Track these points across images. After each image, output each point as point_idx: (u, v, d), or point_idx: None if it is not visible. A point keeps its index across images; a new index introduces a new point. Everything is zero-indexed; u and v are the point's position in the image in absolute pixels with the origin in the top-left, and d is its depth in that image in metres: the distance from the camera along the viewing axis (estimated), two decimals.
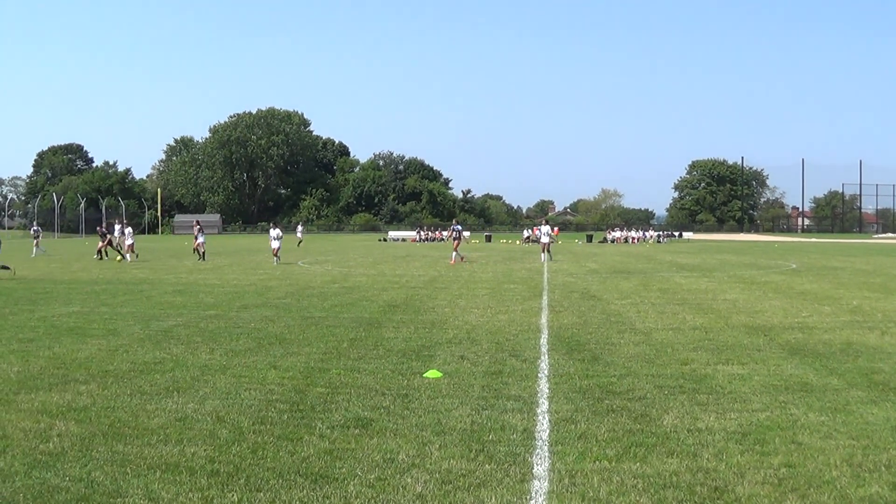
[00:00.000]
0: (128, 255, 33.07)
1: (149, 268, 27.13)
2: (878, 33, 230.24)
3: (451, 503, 4.79)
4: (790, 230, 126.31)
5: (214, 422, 6.52)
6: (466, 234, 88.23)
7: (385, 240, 76.00)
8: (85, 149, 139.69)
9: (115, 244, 35.13)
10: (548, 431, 6.22)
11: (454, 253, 31.53)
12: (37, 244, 38.71)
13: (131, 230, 34.73)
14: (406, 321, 12.85)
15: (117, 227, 36.13)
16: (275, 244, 30.62)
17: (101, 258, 33.08)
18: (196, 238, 34.07)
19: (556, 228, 77.34)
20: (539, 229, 35.09)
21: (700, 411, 6.85)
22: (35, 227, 40.08)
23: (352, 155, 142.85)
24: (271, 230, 31.82)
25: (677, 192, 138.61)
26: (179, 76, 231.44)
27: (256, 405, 7.07)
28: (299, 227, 56.34)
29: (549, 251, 32.44)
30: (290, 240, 47.10)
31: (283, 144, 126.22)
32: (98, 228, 37.30)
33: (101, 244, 34.24)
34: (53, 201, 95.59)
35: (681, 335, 11.32)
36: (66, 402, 7.19)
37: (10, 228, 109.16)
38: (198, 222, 36.01)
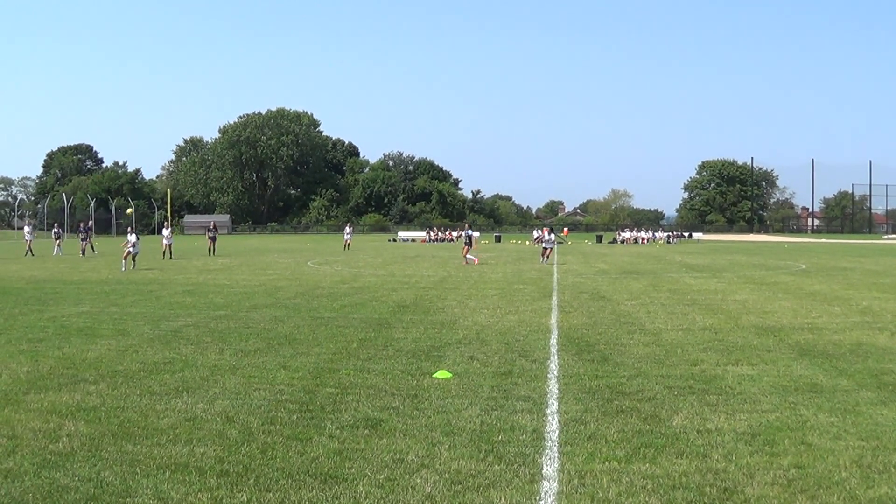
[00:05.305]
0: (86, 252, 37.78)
1: (158, 268, 27.20)
2: (887, 33, 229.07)
3: None
4: (800, 231, 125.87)
5: (224, 422, 6.53)
6: (476, 234, 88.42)
7: (395, 240, 76.05)
8: (94, 149, 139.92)
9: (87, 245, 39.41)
10: (557, 432, 6.22)
11: (468, 256, 31.63)
12: (58, 245, 39.64)
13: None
14: (416, 322, 12.86)
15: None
16: (130, 247, 26.84)
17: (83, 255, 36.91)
18: (164, 238, 36.34)
19: (565, 229, 77.33)
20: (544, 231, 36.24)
21: (709, 412, 6.83)
22: (56, 230, 41.13)
23: (361, 155, 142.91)
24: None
25: (687, 193, 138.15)
26: (189, 76, 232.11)
27: (266, 405, 7.09)
28: (347, 229, 52.48)
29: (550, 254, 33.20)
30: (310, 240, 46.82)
31: (292, 145, 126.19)
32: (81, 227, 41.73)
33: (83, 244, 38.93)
34: (63, 202, 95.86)
35: (690, 336, 11.30)
36: (75, 402, 7.22)
37: (19, 229, 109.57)
38: (166, 221, 39.35)
